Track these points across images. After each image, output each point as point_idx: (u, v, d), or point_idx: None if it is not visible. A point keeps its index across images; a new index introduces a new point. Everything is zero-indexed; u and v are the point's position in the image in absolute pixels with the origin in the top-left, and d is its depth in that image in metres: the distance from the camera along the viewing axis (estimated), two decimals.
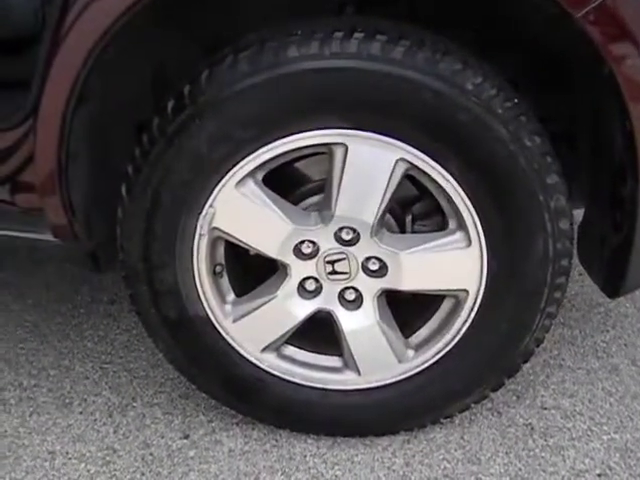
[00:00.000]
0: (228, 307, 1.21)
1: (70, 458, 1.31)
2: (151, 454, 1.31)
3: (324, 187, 1.12)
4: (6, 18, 1.34)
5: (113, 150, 1.20)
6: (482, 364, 1.18)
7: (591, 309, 1.69)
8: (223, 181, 1.06)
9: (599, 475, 1.22)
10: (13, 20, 1.35)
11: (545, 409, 1.38)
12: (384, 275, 1.15)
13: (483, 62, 0.98)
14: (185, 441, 1.34)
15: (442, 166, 1.01)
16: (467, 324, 1.15)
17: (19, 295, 1.84)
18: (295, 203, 1.17)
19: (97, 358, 1.61)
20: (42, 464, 1.30)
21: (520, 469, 1.24)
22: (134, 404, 1.45)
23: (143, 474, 1.26)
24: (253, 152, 1.03)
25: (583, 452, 1.27)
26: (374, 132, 1.00)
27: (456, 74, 0.94)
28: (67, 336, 1.69)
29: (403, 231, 1.19)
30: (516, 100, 0.98)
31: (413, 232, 1.18)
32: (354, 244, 1.13)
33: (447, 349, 1.18)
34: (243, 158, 1.04)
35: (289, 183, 1.19)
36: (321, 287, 1.18)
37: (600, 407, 1.38)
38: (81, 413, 1.43)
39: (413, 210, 1.18)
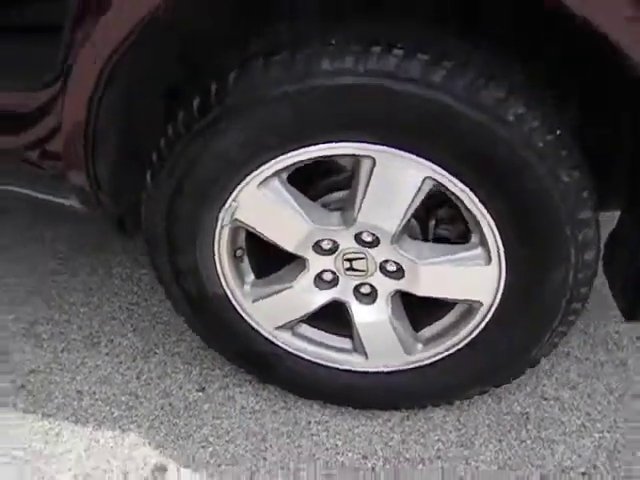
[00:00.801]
0: (247, 288, 1.24)
1: (97, 399, 1.43)
2: (170, 404, 1.42)
3: (351, 182, 1.10)
4: None
5: (141, 124, 1.18)
6: (488, 367, 1.22)
7: (608, 297, 1.68)
8: (247, 179, 1.05)
9: (583, 474, 1.29)
10: None
11: (544, 399, 1.43)
12: (400, 278, 1.16)
13: (530, 87, 0.91)
14: (201, 394, 1.44)
15: (472, 190, 0.97)
16: (477, 330, 1.17)
17: (53, 225, 1.90)
18: (319, 195, 1.16)
19: (124, 298, 1.69)
20: (71, 402, 1.42)
21: (509, 458, 1.32)
22: (156, 351, 1.55)
23: (162, 423, 1.38)
24: (278, 156, 1.01)
25: (572, 448, 1.33)
26: (404, 150, 0.96)
27: (498, 104, 0.88)
28: (96, 271, 1.77)
29: (425, 233, 1.17)
30: (559, 132, 0.92)
31: (435, 237, 1.16)
32: (374, 246, 1.13)
33: (455, 349, 1.21)
34: (268, 161, 1.02)
35: (315, 173, 1.17)
36: (337, 279, 1.20)
37: (598, 403, 1.42)
38: (107, 354, 1.54)
39: (438, 214, 1.16)
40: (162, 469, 1.29)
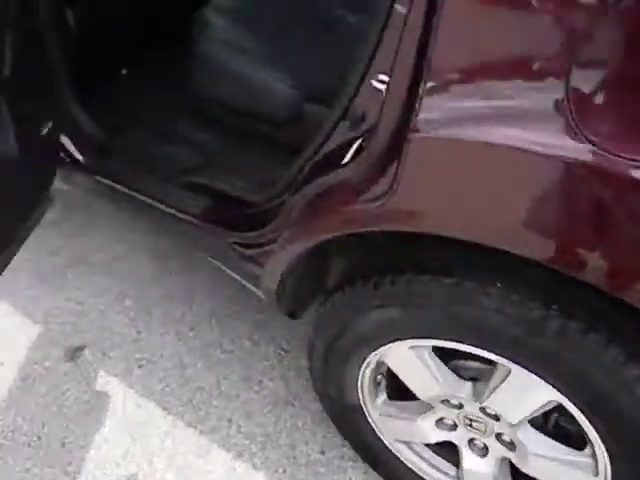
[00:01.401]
0: (378, 403, 1.46)
1: (241, 431, 1.77)
2: (294, 457, 1.72)
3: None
4: (268, 100, 1.54)
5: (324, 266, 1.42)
6: None
7: None
8: (399, 342, 1.25)
9: None
10: (273, 104, 1.55)
11: None
12: (511, 450, 1.30)
13: None
14: (320, 456, 1.72)
15: (591, 424, 1.08)
16: None
17: None
18: (458, 357, 1.32)
19: (278, 343, 1.99)
20: (221, 427, 1.77)
21: None
22: (294, 403, 1.83)
23: (284, 471, 1.68)
24: (428, 340, 1.19)
25: None
26: (538, 376, 1.09)
27: (616, 366, 0.98)
28: (264, 309, 2.09)
29: (547, 421, 1.29)
30: None
31: (554, 427, 1.27)
32: (495, 420, 1.28)
33: None
34: (419, 339, 1.21)
35: None
36: (456, 427, 1.38)
37: None
38: (256, 393, 1.86)
39: (561, 410, 1.26)
40: None
